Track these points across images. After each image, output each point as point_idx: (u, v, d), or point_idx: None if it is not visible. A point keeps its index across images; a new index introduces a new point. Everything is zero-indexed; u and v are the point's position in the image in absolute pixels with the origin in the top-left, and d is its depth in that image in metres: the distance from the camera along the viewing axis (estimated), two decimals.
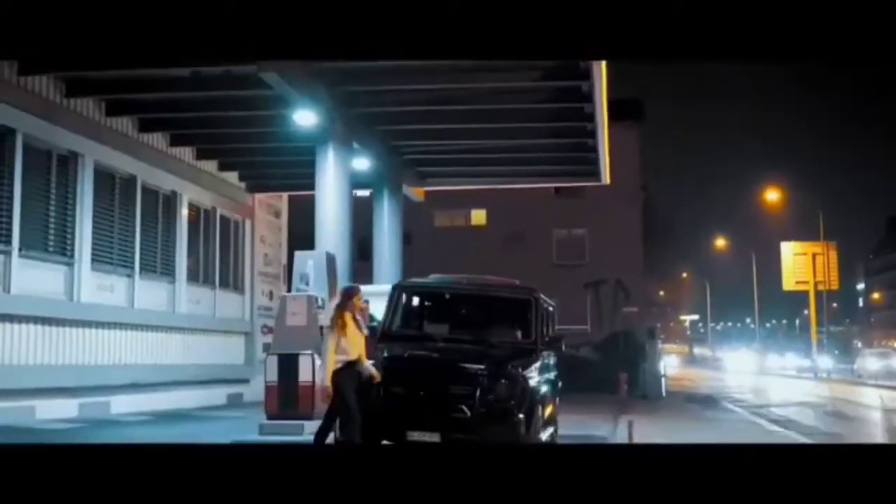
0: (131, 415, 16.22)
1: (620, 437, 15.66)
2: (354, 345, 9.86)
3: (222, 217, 23.10)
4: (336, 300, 10.59)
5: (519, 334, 11.48)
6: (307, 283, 14.50)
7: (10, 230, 15.08)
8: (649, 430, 18.22)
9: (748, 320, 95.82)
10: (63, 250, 16.78)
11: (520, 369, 10.17)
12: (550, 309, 13.24)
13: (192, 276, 21.47)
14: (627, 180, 39.41)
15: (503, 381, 9.92)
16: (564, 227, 41.41)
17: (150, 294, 19.50)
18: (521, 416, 9.83)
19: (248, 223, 24.51)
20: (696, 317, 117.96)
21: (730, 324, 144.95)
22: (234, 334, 23.39)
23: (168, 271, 20.41)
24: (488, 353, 10.51)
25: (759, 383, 45.83)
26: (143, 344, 18.98)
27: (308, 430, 12.15)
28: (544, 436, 11.54)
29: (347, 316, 9.96)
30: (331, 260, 14.90)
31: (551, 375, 12.35)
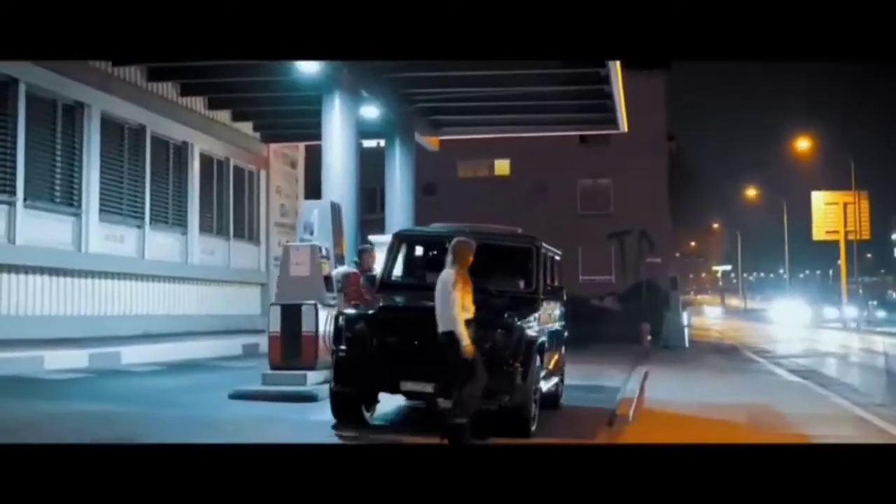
0: (142, 365, 16.20)
1: (631, 388, 15.47)
2: (471, 303, 9.44)
3: (236, 167, 22.98)
4: (450, 257, 9.59)
5: (521, 283, 11.29)
6: (312, 233, 14.37)
7: (14, 181, 15.03)
8: (663, 382, 18.05)
9: (781, 271, 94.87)
10: (70, 201, 16.75)
11: (517, 319, 9.97)
12: (556, 258, 13.03)
13: (206, 227, 21.40)
14: (653, 129, 38.92)
15: (499, 330, 9.75)
16: (589, 176, 40.95)
17: (161, 245, 19.47)
18: (517, 365, 9.66)
19: (263, 174, 24.39)
20: (728, 267, 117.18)
21: (762, 274, 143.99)
22: (249, 285, 23.35)
23: (180, 222, 20.36)
24: (486, 303, 10.32)
25: (796, 335, 45.31)
26: (155, 294, 18.99)
27: (311, 381, 12.13)
28: (547, 386, 11.40)
29: (466, 273, 9.56)
30: (336, 209, 14.73)
31: (556, 325, 12.17)
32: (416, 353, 9.79)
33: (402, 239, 11.77)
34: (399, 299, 10.68)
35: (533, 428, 9.92)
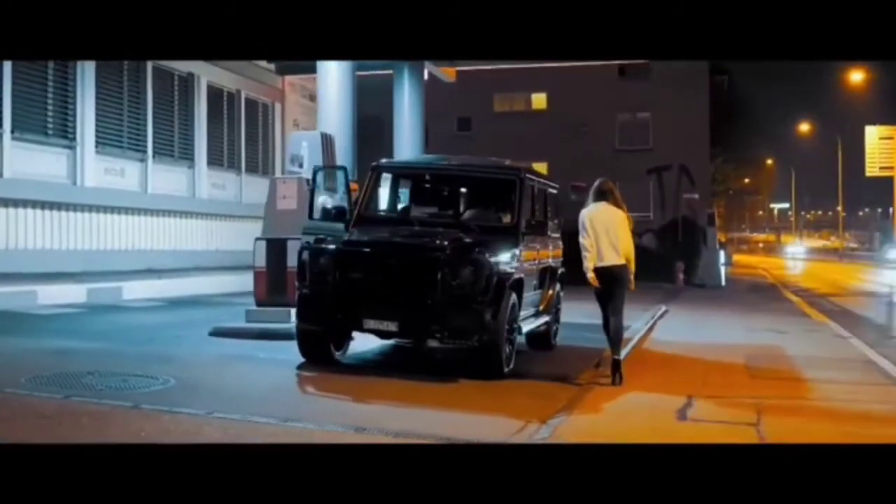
0: (143, 301, 16.04)
1: (637, 328, 14.90)
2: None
3: (248, 100, 22.50)
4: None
5: (506, 217, 10.77)
6: (300, 166, 13.86)
7: (0, 111, 14.69)
8: (678, 321, 17.46)
9: (839, 209, 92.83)
10: (64, 134, 16.41)
11: (487, 254, 9.44)
12: (551, 191, 12.46)
13: (215, 161, 21.03)
14: (694, 61, 37.67)
15: (468, 266, 9.24)
16: (628, 110, 39.88)
17: (166, 179, 19.14)
18: (485, 302, 9.17)
19: (278, 106, 23.88)
20: (785, 205, 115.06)
21: (819, 212, 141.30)
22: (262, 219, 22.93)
23: (186, 156, 19.99)
24: (458, 238, 9.83)
25: (853, 275, 44.05)
26: (159, 229, 18.70)
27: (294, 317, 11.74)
28: (532, 325, 10.93)
29: None
30: (327, 141, 14.19)
31: (546, 262, 11.62)
32: (379, 290, 9.36)
33: (380, 170, 11.26)
34: (369, 233, 10.22)
35: (507, 368, 9.50)
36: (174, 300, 16.51)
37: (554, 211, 12.61)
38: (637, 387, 9.35)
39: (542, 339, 12.01)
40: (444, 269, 9.15)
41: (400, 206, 11.52)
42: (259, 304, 12.75)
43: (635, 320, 16.02)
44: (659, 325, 16.59)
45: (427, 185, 11.67)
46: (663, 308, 19.74)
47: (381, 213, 11.23)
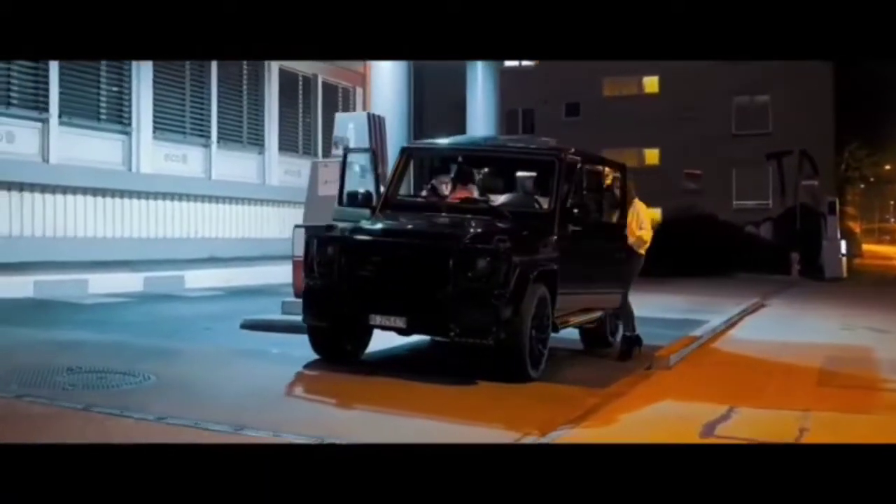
0: (200, 290, 15.59)
1: (714, 325, 13.53)
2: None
3: (326, 84, 21.89)
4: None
5: (544, 203, 9.73)
6: (346, 149, 13.10)
7: (47, 97, 14.40)
8: (769, 318, 16.03)
9: None
10: (119, 119, 16.06)
11: (510, 244, 8.44)
12: (612, 175, 11.32)
13: (289, 147, 20.49)
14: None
15: (484, 257, 8.27)
16: (745, 93, 37.95)
17: (233, 165, 18.69)
18: (503, 296, 8.18)
19: (359, 91, 23.20)
20: None
21: None
22: None
23: (256, 141, 19.50)
24: (480, 225, 8.88)
25: None
26: (224, 216, 18.26)
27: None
28: (576, 322, 9.88)
29: None
30: (376, 122, 13.35)
31: (599, 252, 10.44)
32: (387, 283, 8.49)
33: (410, 153, 10.38)
34: (386, 221, 9.35)
35: (534, 371, 8.46)
36: (236, 290, 15.99)
37: (613, 196, 11.44)
38: (677, 392, 8.31)
39: (597, 337, 10.95)
40: (457, 260, 8.22)
41: (432, 191, 10.58)
42: (297, 295, 12.04)
43: (719, 315, 14.74)
44: (747, 321, 15.24)
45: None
46: (759, 302, 18.26)
47: (409, 199, 10.35)
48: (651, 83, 39.90)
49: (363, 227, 9.17)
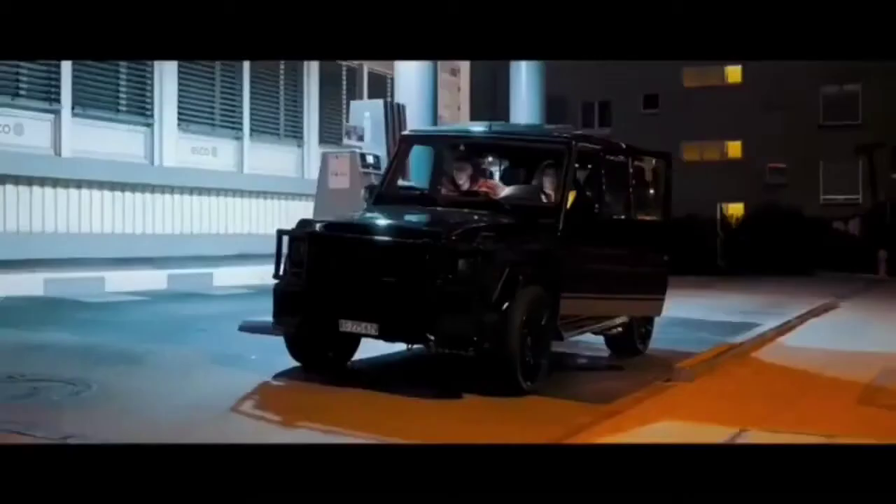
0: (230, 288, 14.95)
1: (762, 331, 12.31)
2: None
3: (372, 75, 21.10)
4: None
5: (550, 195, 8.80)
6: (360, 139, 12.31)
7: (59, 87, 13.90)
8: (834, 323, 14.70)
9: None
10: (141, 111, 15.50)
11: (499, 242, 7.56)
12: (642, 166, 10.32)
13: (331, 140, 19.72)
14: None
15: (466, 257, 7.37)
16: (834, 82, 36.08)
17: (269, 158, 18.02)
18: (486, 302, 7.30)
19: None
20: None
21: None
22: None
23: (294, 134, 18.80)
24: (470, 220, 8.01)
25: None
26: (258, 211, 17.60)
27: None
28: (587, 329, 8.93)
29: None
30: (395, 110, 12.55)
31: (622, 252, 9.39)
32: (358, 286, 7.63)
33: (409, 141, 9.53)
34: (366, 215, 8.54)
35: (527, 383, 7.51)
36: (267, 289, 15.29)
37: (644, 190, 10.43)
38: (686, 410, 7.37)
39: (624, 344, 9.98)
40: (435, 260, 7.33)
41: (433, 181, 9.73)
42: None
43: (777, 318, 13.56)
44: (807, 325, 13.96)
45: (461, 157, 9.78)
46: (830, 303, 16.90)
47: (404, 191, 9.51)
48: (734, 73, 38.34)
49: (338, 222, 8.38)
